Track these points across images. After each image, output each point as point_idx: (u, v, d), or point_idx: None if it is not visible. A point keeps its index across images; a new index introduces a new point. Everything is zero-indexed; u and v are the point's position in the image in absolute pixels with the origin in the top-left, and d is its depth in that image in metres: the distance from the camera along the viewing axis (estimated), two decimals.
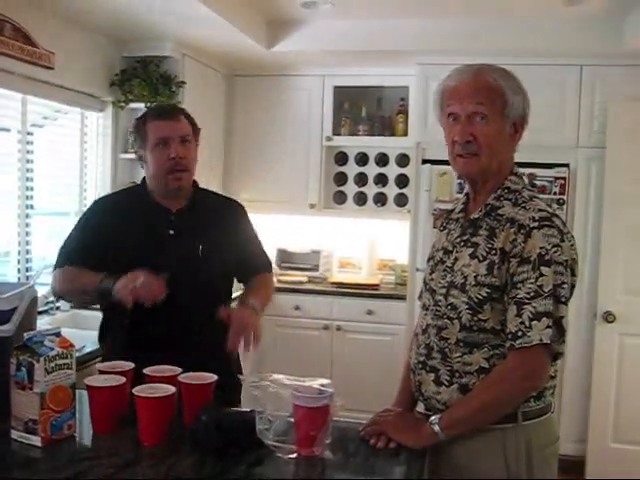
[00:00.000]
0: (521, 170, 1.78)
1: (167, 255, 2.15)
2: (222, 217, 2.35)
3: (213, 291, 2.26)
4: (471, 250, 1.67)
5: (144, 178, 2.34)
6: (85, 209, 2.36)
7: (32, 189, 3.68)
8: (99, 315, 2.33)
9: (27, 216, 3.65)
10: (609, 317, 3.96)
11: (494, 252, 1.61)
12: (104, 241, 2.17)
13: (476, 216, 1.70)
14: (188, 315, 2.14)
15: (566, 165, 4.10)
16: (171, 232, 2.24)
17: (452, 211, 1.86)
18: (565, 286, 1.56)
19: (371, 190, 5.16)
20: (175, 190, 2.25)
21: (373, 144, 5.05)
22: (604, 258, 4.00)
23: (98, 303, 2.19)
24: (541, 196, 1.73)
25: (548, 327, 1.52)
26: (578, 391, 4.15)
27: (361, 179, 5.16)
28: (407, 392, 1.85)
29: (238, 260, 2.35)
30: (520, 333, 1.54)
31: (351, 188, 5.20)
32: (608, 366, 4.01)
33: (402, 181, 5.04)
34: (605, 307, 3.98)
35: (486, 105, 1.63)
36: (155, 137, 2.19)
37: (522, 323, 1.54)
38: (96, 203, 2.38)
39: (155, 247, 2.18)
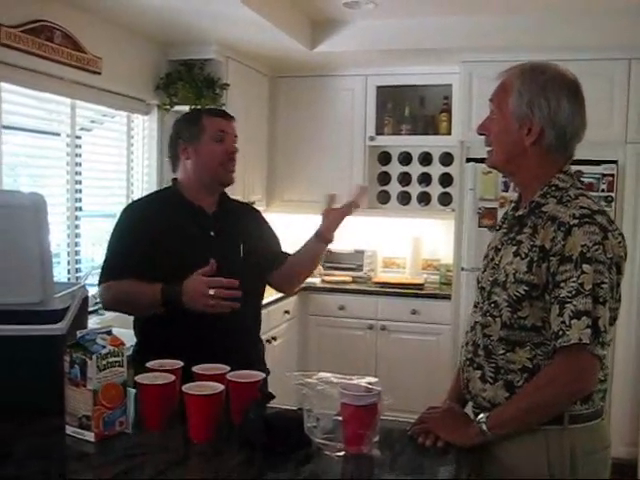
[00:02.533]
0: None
1: (211, 256, 2.17)
2: (250, 219, 2.43)
3: (252, 290, 2.31)
4: (515, 248, 1.66)
5: (174, 180, 2.37)
6: (119, 216, 2.35)
7: (80, 191, 3.76)
8: None
9: (76, 218, 3.73)
10: None
11: (535, 250, 1.60)
12: (145, 247, 2.18)
13: (521, 213, 1.70)
14: (227, 315, 2.16)
15: (614, 162, 4.02)
16: (212, 233, 2.28)
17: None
18: (604, 286, 1.53)
19: (415, 189, 5.13)
20: (225, 182, 2.32)
21: (416, 143, 5.03)
22: None
23: (155, 312, 2.13)
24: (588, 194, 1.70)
25: (588, 327, 1.50)
26: (630, 392, 4.06)
27: (405, 178, 5.14)
28: (460, 387, 1.84)
29: (269, 257, 2.40)
30: (561, 332, 1.52)
31: (395, 188, 5.18)
32: None
33: (446, 180, 5.01)
34: None
35: (494, 102, 1.73)
36: (215, 130, 2.27)
37: (563, 322, 1.52)
38: (129, 209, 2.39)
39: (198, 248, 2.20)
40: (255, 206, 2.70)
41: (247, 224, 2.38)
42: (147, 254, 2.17)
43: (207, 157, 2.27)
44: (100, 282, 2.27)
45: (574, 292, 1.52)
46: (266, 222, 2.52)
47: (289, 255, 2.50)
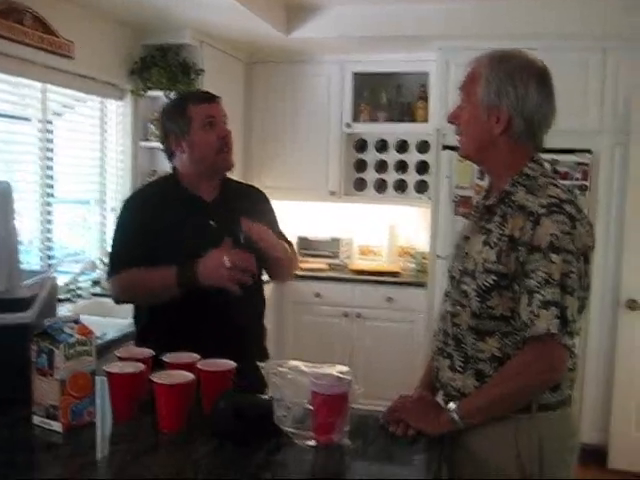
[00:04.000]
0: (542, 156, 1.76)
1: (211, 247, 2.15)
2: (252, 205, 2.36)
3: (253, 279, 2.30)
4: (484, 237, 1.66)
5: (174, 169, 2.32)
6: (120, 209, 2.34)
7: (53, 178, 3.71)
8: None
9: (48, 204, 3.68)
10: (632, 305, 3.90)
11: (504, 239, 1.60)
12: (148, 239, 2.15)
13: (491, 202, 1.69)
14: (231, 304, 2.15)
15: (589, 151, 4.04)
16: (212, 223, 2.24)
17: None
18: (573, 276, 1.54)
19: (391, 177, 5.13)
20: (225, 169, 2.28)
21: (393, 131, 5.02)
22: (627, 245, 3.95)
23: (169, 297, 2.10)
24: (563, 182, 1.71)
25: (556, 317, 1.50)
26: (601, 379, 4.10)
27: (381, 166, 5.13)
28: (431, 375, 1.84)
29: None
30: (530, 322, 1.52)
31: (371, 175, 5.18)
32: (631, 354, 3.96)
33: (422, 168, 5.00)
34: (628, 295, 3.92)
35: (463, 91, 1.73)
36: (202, 118, 2.20)
37: (532, 312, 1.52)
38: (130, 201, 2.35)
39: (200, 239, 2.16)
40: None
41: (250, 210, 2.29)
42: (149, 247, 2.14)
43: (201, 148, 2.21)
44: (109, 276, 2.26)
45: (543, 282, 1.52)
46: (270, 207, 2.46)
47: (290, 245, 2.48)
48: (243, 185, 2.51)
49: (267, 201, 2.46)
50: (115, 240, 2.28)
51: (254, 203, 2.38)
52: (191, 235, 2.17)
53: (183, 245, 2.13)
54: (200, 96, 2.31)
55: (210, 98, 2.27)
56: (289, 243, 2.50)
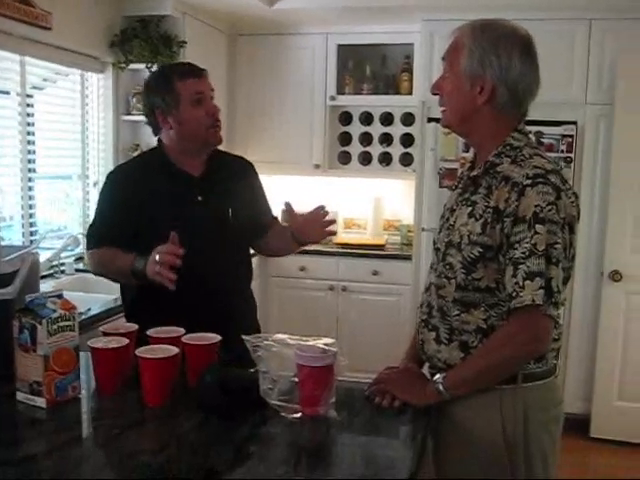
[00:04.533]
0: (527, 128, 1.75)
1: (199, 222, 2.13)
2: (240, 178, 2.34)
3: (241, 253, 2.32)
4: (470, 209, 1.65)
5: (159, 141, 2.28)
6: (103, 182, 2.30)
7: (34, 152, 3.65)
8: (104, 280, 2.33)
9: (30, 180, 3.63)
10: (616, 276, 3.93)
11: (489, 211, 1.59)
12: (132, 214, 2.12)
13: (475, 173, 1.68)
14: (220, 279, 2.15)
15: (574, 122, 4.04)
16: (199, 198, 2.21)
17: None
18: (557, 247, 1.53)
19: (376, 150, 5.10)
20: (215, 144, 2.25)
21: (378, 103, 4.98)
22: (611, 217, 3.96)
23: (138, 283, 2.08)
24: (548, 154, 1.69)
25: (541, 288, 1.50)
26: (584, 350, 4.15)
27: (366, 139, 5.10)
28: (417, 346, 1.85)
29: (257, 218, 2.37)
30: (515, 294, 1.52)
31: (356, 148, 5.15)
32: (614, 325, 4.00)
33: (407, 140, 4.98)
34: (612, 266, 3.95)
35: (447, 61, 1.70)
36: (191, 94, 2.15)
37: (517, 283, 1.52)
38: (112, 176, 2.30)
39: (186, 215, 2.14)
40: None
41: (237, 184, 2.30)
42: (132, 221, 2.12)
43: (191, 124, 2.17)
44: (87, 249, 2.26)
45: (528, 253, 1.52)
46: (258, 180, 2.43)
47: (276, 219, 2.47)
48: (230, 157, 2.44)
49: (255, 174, 2.43)
50: (96, 214, 2.26)
51: (242, 177, 2.36)
52: (177, 211, 2.14)
53: (168, 221, 2.09)
54: (187, 70, 2.23)
55: (197, 73, 2.21)
56: (275, 218, 2.49)
